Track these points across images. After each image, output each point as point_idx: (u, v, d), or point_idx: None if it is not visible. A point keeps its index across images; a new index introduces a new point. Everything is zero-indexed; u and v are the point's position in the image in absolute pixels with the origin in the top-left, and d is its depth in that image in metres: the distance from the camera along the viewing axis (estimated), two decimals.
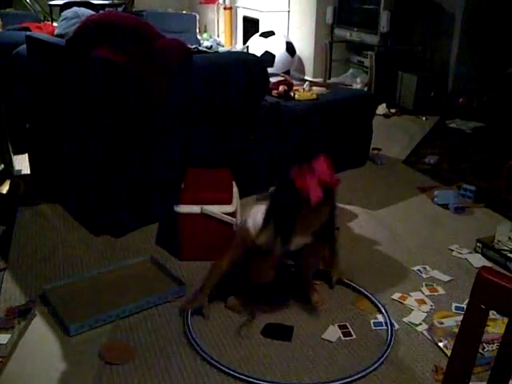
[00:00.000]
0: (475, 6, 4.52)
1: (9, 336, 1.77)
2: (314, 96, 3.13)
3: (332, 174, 1.70)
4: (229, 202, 2.19)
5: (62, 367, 1.66)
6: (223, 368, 1.64)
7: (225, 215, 2.16)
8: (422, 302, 2.01)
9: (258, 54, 4.99)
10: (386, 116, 4.57)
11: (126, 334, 1.81)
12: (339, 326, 1.87)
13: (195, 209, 2.16)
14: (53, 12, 6.19)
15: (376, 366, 1.67)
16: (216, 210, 2.16)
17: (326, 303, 1.98)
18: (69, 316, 1.83)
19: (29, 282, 2.09)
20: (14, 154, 3.08)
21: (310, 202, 1.63)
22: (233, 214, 2.18)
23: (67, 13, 3.45)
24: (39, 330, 1.82)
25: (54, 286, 2.00)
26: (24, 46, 2.80)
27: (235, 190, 2.31)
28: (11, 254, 2.29)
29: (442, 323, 1.88)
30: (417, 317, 1.93)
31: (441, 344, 1.77)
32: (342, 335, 1.82)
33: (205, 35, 7.33)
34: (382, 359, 1.70)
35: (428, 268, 2.23)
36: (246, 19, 6.72)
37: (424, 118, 4.55)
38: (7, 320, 1.84)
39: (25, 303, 1.94)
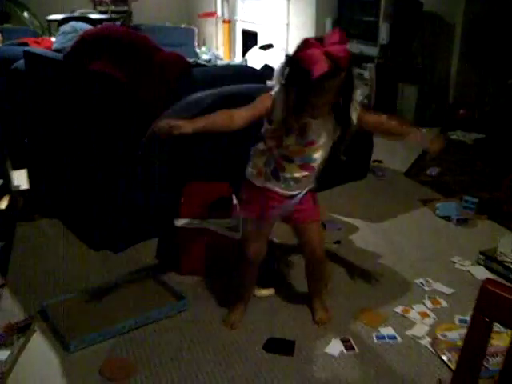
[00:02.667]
0: (475, 17, 4.54)
1: (8, 352, 1.75)
2: None
3: (343, 47, 1.51)
4: (228, 215, 2.18)
5: None
6: None
7: (224, 229, 2.15)
8: (424, 314, 2.00)
9: (257, 66, 5.02)
10: None
11: (126, 349, 1.79)
12: (342, 339, 1.85)
13: (195, 223, 2.15)
14: (51, 27, 6.26)
15: None
16: (216, 223, 2.15)
17: (329, 321, 1.96)
18: (68, 332, 1.82)
19: (28, 297, 2.07)
20: (13, 170, 3.08)
21: (312, 74, 1.47)
22: (233, 228, 2.17)
23: (65, 27, 3.48)
24: (39, 346, 1.81)
25: (53, 302, 1.99)
26: (22, 60, 2.81)
27: (235, 203, 2.30)
28: (10, 269, 2.27)
29: (445, 336, 1.86)
30: (420, 330, 1.91)
31: (444, 357, 1.76)
32: (344, 349, 1.81)
33: (203, 48, 7.37)
34: None
35: (430, 280, 2.22)
36: (244, 32, 6.77)
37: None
38: (6, 336, 1.82)
39: (24, 319, 1.92)
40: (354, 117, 1.69)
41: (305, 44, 1.51)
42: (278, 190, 1.77)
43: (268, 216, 1.81)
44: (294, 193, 1.78)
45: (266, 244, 1.90)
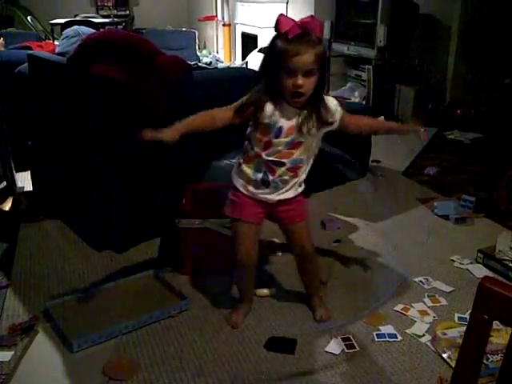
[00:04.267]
0: (471, 18, 4.57)
1: (12, 353, 1.76)
2: None
3: (314, 21, 1.57)
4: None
5: None
6: None
7: (226, 229, 2.17)
8: (424, 313, 2.01)
9: (257, 69, 5.04)
10: None
11: (129, 349, 1.81)
12: (342, 338, 1.86)
13: (196, 223, 2.17)
14: (54, 31, 6.30)
15: None
16: (217, 223, 2.17)
17: (330, 319, 1.97)
18: (72, 332, 1.83)
19: (31, 298, 2.09)
20: (17, 172, 3.10)
21: (286, 35, 1.53)
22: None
23: (68, 31, 3.50)
24: (42, 346, 1.82)
25: (56, 303, 2.01)
26: (26, 64, 2.83)
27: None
28: (14, 270, 2.29)
29: (445, 334, 1.87)
30: (420, 328, 1.92)
31: (444, 355, 1.77)
32: (345, 348, 1.82)
33: (204, 51, 7.40)
34: None
35: (430, 279, 2.24)
36: (244, 35, 6.80)
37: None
38: (10, 337, 1.84)
39: (28, 320, 1.94)
40: (338, 116, 1.72)
41: (279, 16, 1.58)
42: (265, 196, 1.78)
43: (255, 220, 1.83)
44: (282, 197, 1.79)
45: (256, 246, 1.88)
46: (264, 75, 1.67)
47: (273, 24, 1.60)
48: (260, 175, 1.75)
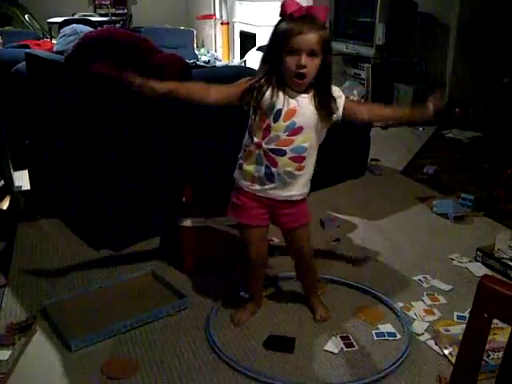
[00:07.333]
0: (470, 17, 4.57)
1: (10, 352, 1.76)
2: None
3: (318, 6, 1.60)
4: None
5: (64, 383, 1.65)
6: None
7: (227, 227, 2.16)
8: (423, 311, 2.01)
9: (256, 68, 5.04)
10: (383, 127, 4.59)
11: (127, 348, 1.80)
12: (341, 337, 1.86)
13: (197, 221, 2.16)
14: (51, 29, 6.28)
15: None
16: (217, 221, 2.16)
17: (330, 318, 1.96)
18: (70, 331, 1.83)
19: (29, 297, 2.08)
20: (14, 170, 3.10)
21: (291, 15, 1.54)
22: (235, 226, 2.18)
23: (66, 30, 3.49)
24: (40, 345, 1.81)
25: (54, 301, 2.00)
26: (23, 63, 2.82)
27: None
28: (11, 269, 2.29)
29: (448, 331, 1.87)
30: (419, 326, 1.92)
31: (446, 351, 1.77)
32: (344, 346, 1.82)
33: (202, 50, 7.40)
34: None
35: (429, 277, 2.24)
36: (243, 34, 6.80)
37: (421, 129, 4.58)
38: (8, 336, 1.83)
39: (25, 319, 1.93)
40: (341, 102, 1.70)
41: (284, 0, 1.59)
42: (273, 192, 1.74)
43: (261, 223, 1.82)
44: (290, 194, 1.75)
45: (266, 243, 1.89)
46: (267, 58, 1.66)
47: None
48: (262, 169, 1.70)
